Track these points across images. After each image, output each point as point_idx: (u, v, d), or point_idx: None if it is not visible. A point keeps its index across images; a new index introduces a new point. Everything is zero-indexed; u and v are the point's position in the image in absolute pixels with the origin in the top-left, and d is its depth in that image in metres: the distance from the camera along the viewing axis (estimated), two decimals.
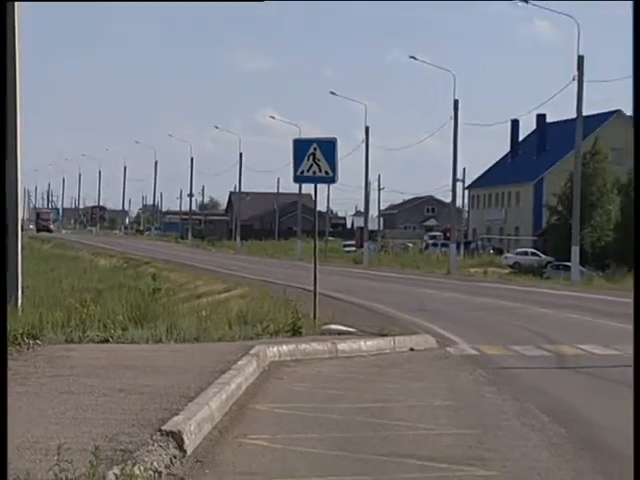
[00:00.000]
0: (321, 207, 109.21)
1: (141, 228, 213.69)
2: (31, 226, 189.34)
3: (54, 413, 13.59)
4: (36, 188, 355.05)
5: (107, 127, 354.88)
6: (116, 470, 8.95)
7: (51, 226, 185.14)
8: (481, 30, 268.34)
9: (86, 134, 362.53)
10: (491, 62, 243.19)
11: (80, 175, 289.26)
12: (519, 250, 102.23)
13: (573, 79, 68.26)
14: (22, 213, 30.72)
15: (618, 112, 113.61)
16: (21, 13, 27.05)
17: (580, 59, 67.36)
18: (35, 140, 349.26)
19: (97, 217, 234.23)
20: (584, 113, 72.23)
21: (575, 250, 66.92)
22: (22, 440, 11.14)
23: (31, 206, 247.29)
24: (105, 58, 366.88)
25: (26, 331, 22.17)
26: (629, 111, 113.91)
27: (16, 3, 26.47)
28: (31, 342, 21.75)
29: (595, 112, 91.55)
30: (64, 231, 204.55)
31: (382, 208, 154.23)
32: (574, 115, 70.82)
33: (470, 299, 50.56)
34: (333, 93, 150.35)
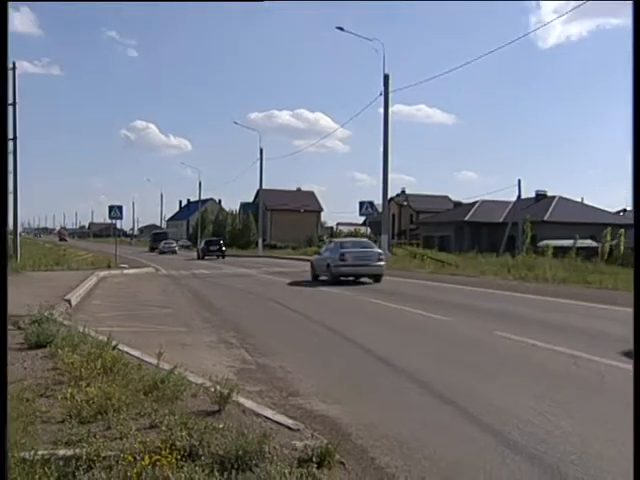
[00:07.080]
0: (119, 226, 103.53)
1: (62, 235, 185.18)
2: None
3: (29, 294, 12.46)
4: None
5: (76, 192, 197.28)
6: (47, 312, 8.47)
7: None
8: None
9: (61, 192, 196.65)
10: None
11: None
12: (182, 242, 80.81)
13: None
14: (20, 229, 27.77)
15: (211, 199, 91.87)
16: None
17: (209, 196, 65.01)
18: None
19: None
20: (203, 198, 70.37)
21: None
22: (18, 303, 10.22)
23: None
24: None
25: (20, 268, 20.48)
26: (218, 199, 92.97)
27: None
28: (23, 271, 20.00)
29: (204, 197, 78.71)
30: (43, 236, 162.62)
31: (140, 226, 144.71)
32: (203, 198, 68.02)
33: (173, 257, 48.90)
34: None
